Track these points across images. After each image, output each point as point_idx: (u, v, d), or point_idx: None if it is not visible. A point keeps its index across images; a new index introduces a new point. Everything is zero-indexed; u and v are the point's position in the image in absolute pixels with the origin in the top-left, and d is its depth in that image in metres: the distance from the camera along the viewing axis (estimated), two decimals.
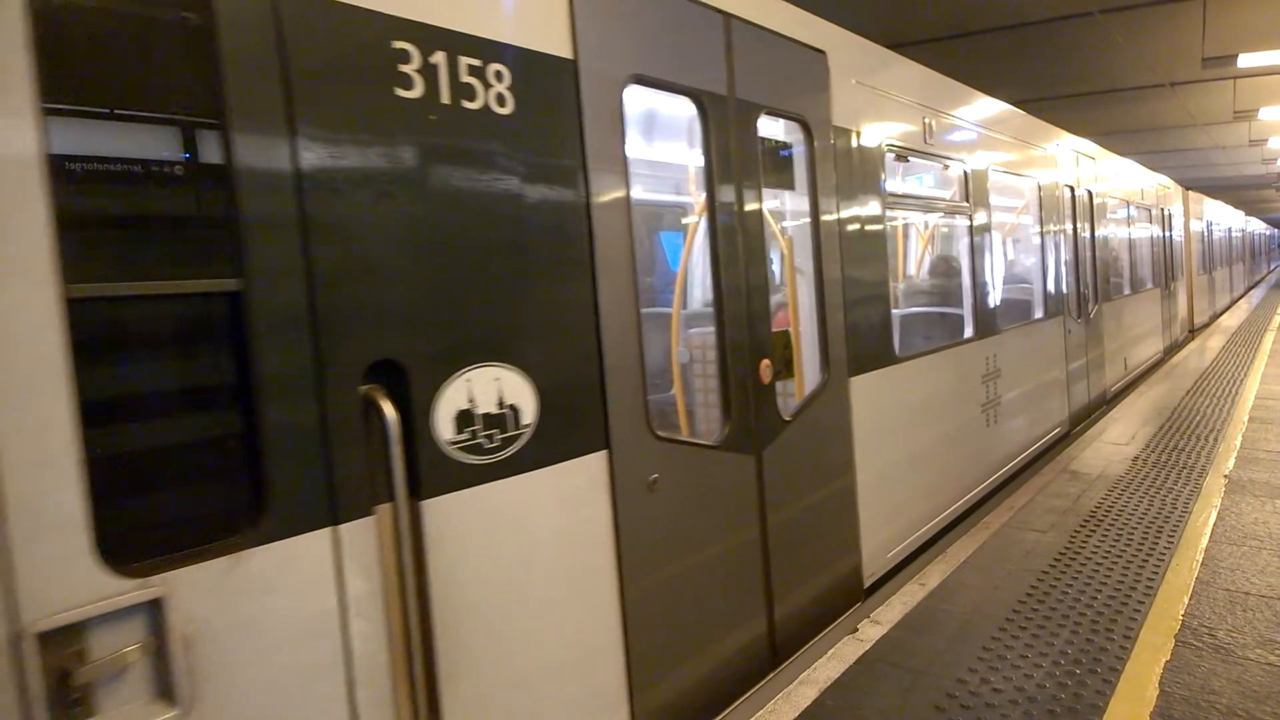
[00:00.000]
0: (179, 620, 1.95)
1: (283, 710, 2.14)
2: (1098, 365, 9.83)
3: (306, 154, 2.22)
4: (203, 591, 1.99)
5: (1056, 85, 15.41)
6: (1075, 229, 9.29)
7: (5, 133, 1.74)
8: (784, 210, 4.55)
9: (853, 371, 4.67)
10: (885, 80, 5.28)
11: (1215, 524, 5.57)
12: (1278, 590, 4.54)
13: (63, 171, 1.86)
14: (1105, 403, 10.19)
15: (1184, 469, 6.89)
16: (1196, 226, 20.38)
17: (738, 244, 3.84)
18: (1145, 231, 13.41)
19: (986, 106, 7.15)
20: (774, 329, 4.06)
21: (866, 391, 4.79)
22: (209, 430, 2.19)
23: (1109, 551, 5.14)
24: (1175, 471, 6.83)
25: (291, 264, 2.19)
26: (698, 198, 4.39)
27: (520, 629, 2.75)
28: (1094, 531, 5.49)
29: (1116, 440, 7.96)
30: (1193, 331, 18.30)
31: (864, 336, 4.80)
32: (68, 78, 1.86)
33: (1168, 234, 15.44)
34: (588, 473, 3.00)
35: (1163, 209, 15.09)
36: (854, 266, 4.75)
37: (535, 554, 2.81)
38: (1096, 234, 10.11)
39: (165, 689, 1.94)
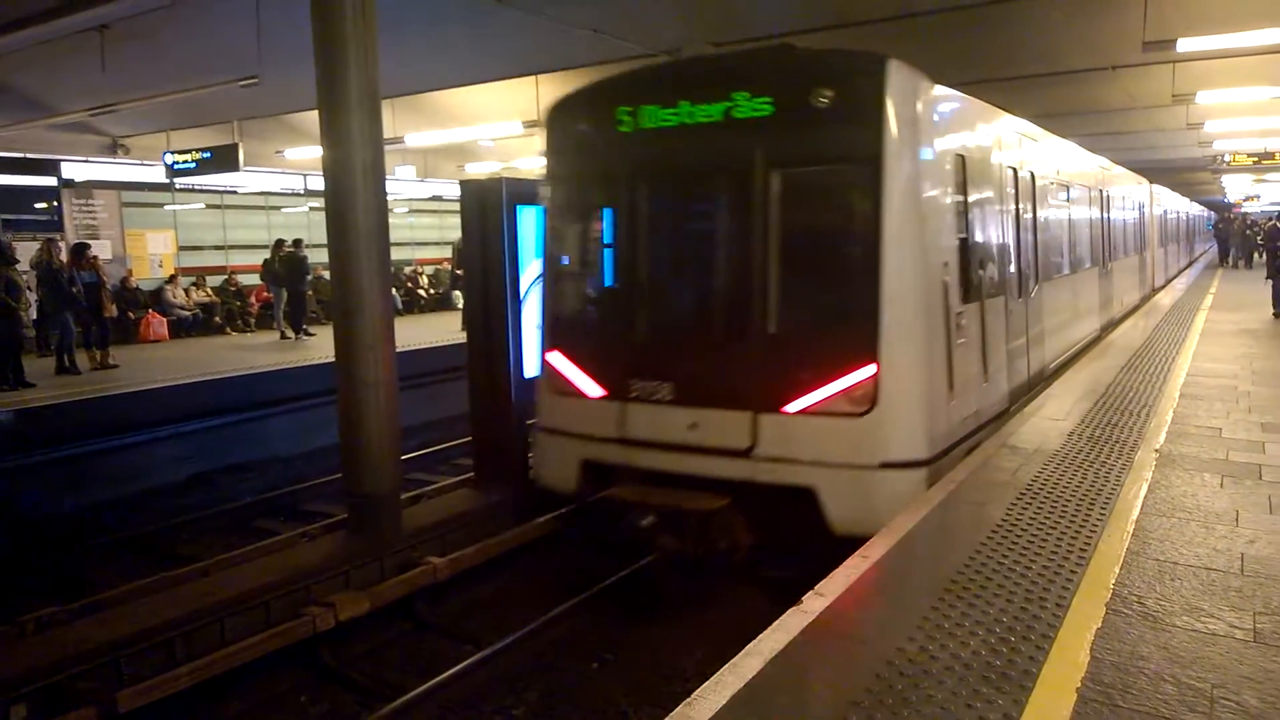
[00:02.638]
0: (990, 319, 7.72)
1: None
2: (1110, 299, 15.36)
3: (975, 200, 7.60)
4: (974, 312, 7.38)
5: (999, 67, 15.63)
6: (1100, 215, 14.76)
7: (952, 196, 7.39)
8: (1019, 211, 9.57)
9: (1039, 281, 9.83)
10: (1048, 146, 11.26)
11: (1146, 497, 5.76)
12: (1204, 560, 4.71)
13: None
14: (1113, 325, 15.27)
15: (1117, 444, 7.10)
16: (1157, 211, 24.81)
17: (1022, 228, 9.15)
18: (1130, 215, 19.29)
19: (1072, 147, 13.28)
20: None
21: (1044, 291, 10.04)
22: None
23: (1044, 523, 5.28)
24: (1109, 446, 7.03)
25: (971, 233, 7.42)
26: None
27: (1002, 352, 8.04)
28: (1030, 504, 5.64)
29: (1054, 416, 8.17)
30: (1155, 289, 23.03)
31: (1042, 267, 10.02)
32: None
33: (1140, 216, 21.24)
34: (1003, 302, 8.13)
35: (1139, 199, 20.94)
36: (1043, 234, 10.10)
37: (998, 326, 7.91)
38: (1109, 218, 15.63)
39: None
